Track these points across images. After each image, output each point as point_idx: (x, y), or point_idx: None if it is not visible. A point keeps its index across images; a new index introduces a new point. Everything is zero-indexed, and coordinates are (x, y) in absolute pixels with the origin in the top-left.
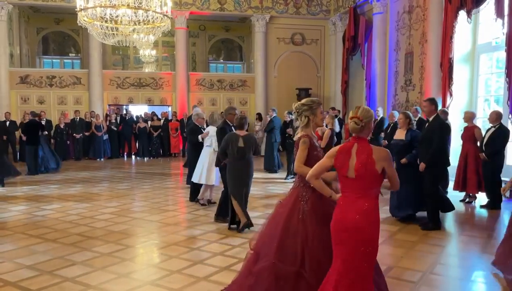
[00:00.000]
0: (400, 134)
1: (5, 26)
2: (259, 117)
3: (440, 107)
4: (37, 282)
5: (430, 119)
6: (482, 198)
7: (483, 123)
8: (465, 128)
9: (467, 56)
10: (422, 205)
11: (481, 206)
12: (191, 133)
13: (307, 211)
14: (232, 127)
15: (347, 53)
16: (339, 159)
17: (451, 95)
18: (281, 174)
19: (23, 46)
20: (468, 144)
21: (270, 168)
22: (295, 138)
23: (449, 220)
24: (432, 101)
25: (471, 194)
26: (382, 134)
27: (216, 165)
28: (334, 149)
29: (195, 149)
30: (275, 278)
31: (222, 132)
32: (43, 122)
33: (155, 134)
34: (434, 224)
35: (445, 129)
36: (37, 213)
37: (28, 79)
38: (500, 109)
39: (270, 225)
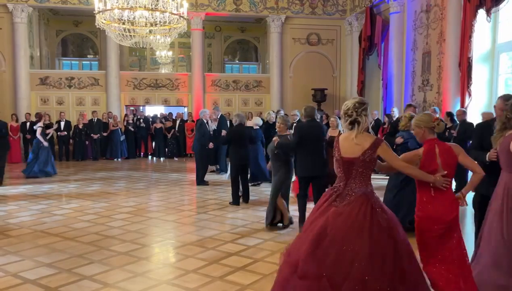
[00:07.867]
0: None
1: (26, 29)
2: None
3: (458, 107)
4: (56, 280)
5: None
6: None
7: None
8: None
9: (487, 55)
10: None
11: None
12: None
13: (387, 219)
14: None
15: (364, 53)
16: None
17: (470, 95)
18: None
19: (43, 48)
20: None
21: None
22: (357, 140)
23: (468, 221)
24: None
25: None
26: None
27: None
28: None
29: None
30: None
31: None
32: (63, 123)
33: (169, 135)
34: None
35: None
36: (56, 212)
37: (48, 81)
38: None
39: (343, 241)
